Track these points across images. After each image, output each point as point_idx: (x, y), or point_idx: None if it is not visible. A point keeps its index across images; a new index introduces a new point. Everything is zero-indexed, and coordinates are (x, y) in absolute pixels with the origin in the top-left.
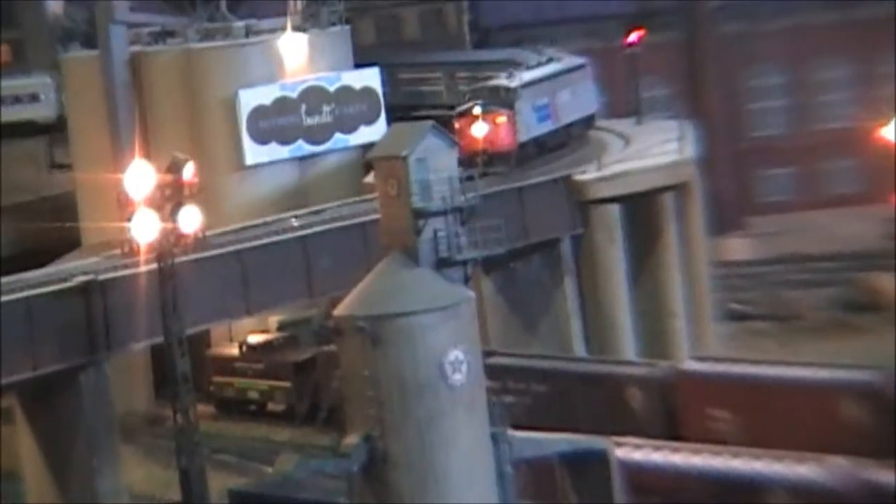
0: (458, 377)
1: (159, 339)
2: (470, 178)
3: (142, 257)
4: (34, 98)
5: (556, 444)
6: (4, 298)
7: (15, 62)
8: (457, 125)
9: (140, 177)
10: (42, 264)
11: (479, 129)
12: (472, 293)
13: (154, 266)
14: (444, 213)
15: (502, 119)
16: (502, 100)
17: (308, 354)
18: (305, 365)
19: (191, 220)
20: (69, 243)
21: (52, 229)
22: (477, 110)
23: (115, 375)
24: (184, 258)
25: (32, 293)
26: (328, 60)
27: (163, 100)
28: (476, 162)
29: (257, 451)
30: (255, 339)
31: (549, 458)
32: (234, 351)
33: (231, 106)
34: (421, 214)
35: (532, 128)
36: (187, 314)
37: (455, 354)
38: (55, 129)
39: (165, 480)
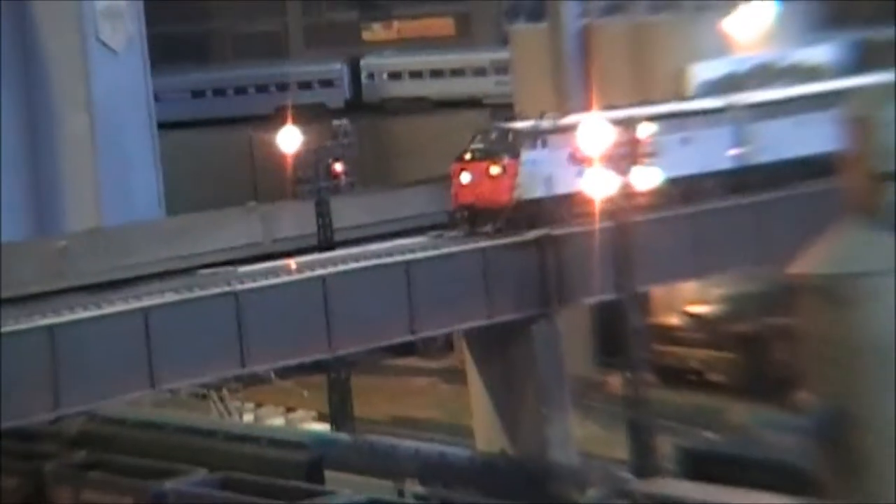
0: None
1: (611, 296)
2: None
3: (596, 214)
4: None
5: None
6: (461, 248)
7: (460, 36)
8: (452, 168)
9: (597, 132)
10: None
11: (465, 178)
12: None
13: (607, 224)
14: None
15: (496, 169)
16: (506, 145)
17: (752, 326)
18: (749, 337)
19: (646, 178)
20: None
21: None
22: (467, 156)
23: None
24: (637, 217)
25: (489, 244)
26: (782, 36)
27: (611, 72)
28: (456, 218)
29: (697, 419)
30: (697, 309)
31: None
32: (675, 320)
33: (679, 80)
34: (886, 177)
35: (555, 183)
36: (638, 273)
37: None
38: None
39: (605, 440)
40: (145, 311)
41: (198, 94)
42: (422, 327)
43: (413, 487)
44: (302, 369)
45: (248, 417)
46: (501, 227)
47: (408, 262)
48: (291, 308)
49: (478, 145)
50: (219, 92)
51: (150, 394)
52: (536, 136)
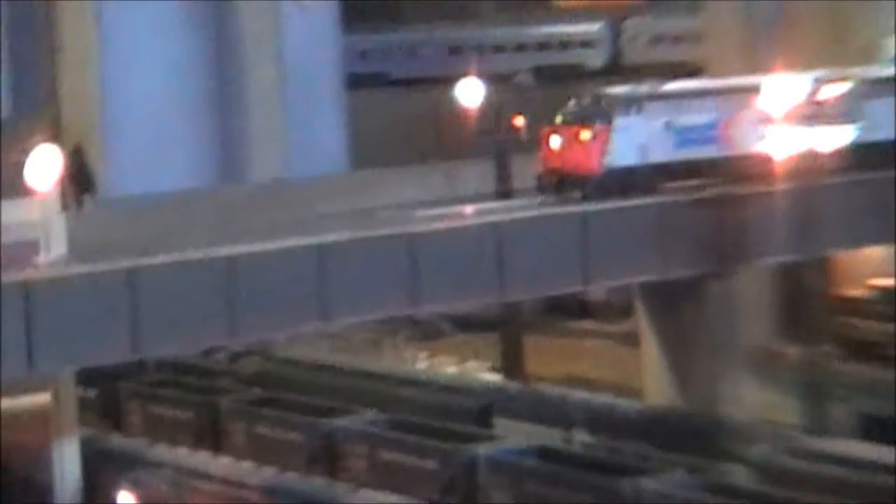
0: None
1: (790, 258)
2: None
3: (777, 175)
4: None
5: None
6: (637, 202)
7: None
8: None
9: (780, 92)
10: None
11: (554, 142)
12: None
13: (788, 186)
14: None
15: (587, 135)
16: (598, 110)
17: None
18: None
19: (830, 139)
20: None
21: None
22: (559, 119)
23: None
24: (820, 180)
25: (664, 200)
26: None
27: (805, 41)
28: (543, 183)
29: (876, 390)
30: (882, 281)
31: None
32: (858, 292)
33: (872, 52)
34: None
35: (650, 151)
36: (820, 237)
37: None
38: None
39: (781, 406)
40: (320, 248)
41: (455, 50)
42: (595, 278)
43: (581, 437)
44: (476, 326)
45: (421, 366)
46: (589, 194)
47: (583, 213)
48: (464, 252)
49: (571, 110)
50: (478, 49)
51: (325, 338)
52: (631, 103)
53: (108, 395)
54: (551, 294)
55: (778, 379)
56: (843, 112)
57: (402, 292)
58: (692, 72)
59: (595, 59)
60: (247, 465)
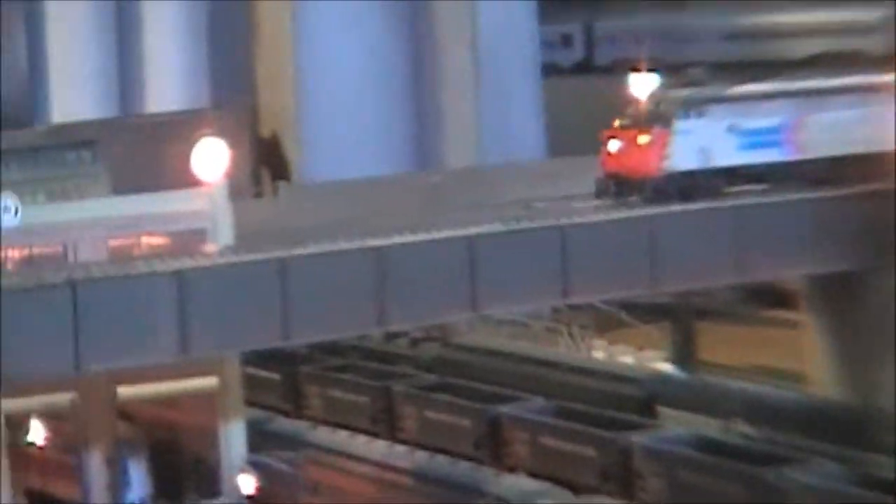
0: None
1: None
2: None
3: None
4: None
5: None
6: (790, 197)
7: None
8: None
9: None
10: None
11: (613, 146)
12: None
13: None
14: None
15: (645, 138)
16: (657, 114)
17: None
18: None
19: None
20: None
21: None
22: (618, 123)
23: None
24: None
25: (818, 195)
26: None
27: None
28: (602, 187)
29: None
30: None
31: None
32: None
33: None
34: None
35: (712, 155)
36: None
37: None
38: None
39: None
40: (471, 239)
41: (732, 37)
42: (748, 271)
43: (740, 427)
44: (654, 314)
45: (598, 354)
46: (649, 198)
47: (736, 208)
48: (616, 244)
49: (630, 113)
50: (753, 35)
51: (505, 325)
52: (692, 106)
53: (290, 378)
54: (703, 286)
55: None
56: None
57: (552, 283)
58: None
59: (874, 46)
60: (396, 450)
